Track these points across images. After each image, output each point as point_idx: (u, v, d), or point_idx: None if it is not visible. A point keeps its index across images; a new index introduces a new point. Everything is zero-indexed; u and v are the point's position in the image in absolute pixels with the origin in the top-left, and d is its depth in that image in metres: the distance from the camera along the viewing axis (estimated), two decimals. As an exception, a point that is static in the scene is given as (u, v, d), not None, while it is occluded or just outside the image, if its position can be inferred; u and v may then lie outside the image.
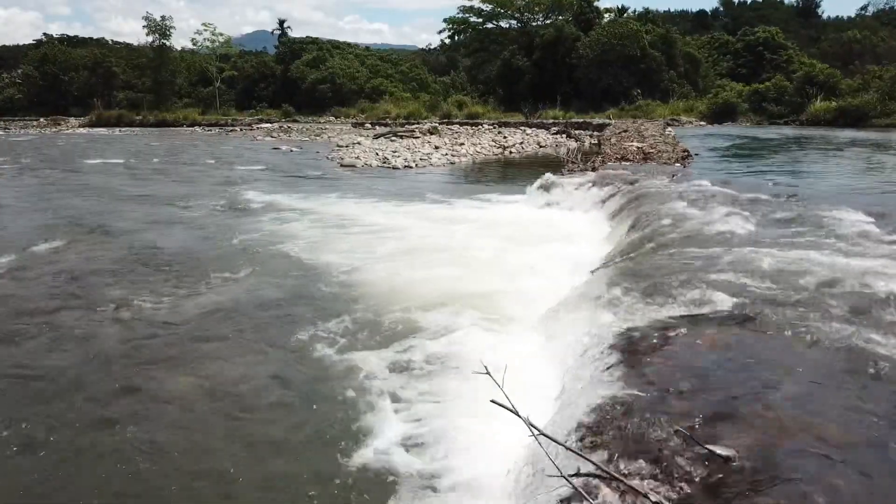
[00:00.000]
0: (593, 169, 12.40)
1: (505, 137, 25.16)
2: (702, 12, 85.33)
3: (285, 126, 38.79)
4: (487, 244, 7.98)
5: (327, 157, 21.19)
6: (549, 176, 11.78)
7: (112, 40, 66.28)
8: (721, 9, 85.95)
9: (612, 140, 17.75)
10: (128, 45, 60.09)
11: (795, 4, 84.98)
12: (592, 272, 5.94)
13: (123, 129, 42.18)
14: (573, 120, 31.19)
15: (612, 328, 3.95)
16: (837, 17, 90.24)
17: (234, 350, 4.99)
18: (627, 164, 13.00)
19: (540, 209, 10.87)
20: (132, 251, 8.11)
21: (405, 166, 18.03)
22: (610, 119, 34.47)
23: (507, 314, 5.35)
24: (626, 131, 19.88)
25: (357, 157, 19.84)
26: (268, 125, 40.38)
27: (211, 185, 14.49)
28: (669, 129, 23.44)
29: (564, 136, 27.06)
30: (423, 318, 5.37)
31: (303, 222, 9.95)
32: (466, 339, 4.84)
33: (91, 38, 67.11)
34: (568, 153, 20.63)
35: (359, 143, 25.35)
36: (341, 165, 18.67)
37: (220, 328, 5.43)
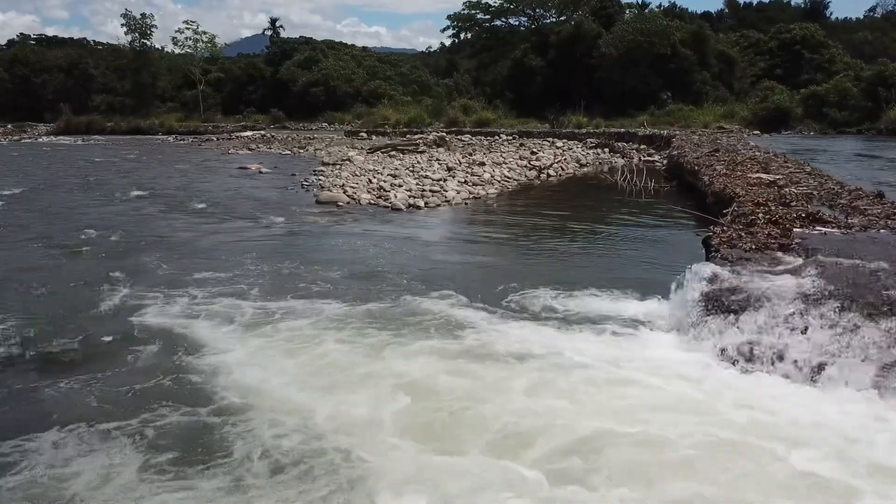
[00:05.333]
0: (781, 246, 6.02)
1: (534, 153, 18.75)
2: (707, 14, 79.09)
3: (268, 135, 32.28)
4: None
5: (303, 184, 14.79)
6: (716, 271, 5.38)
7: (93, 41, 59.38)
8: (726, 10, 79.78)
9: (716, 167, 11.34)
10: (109, 46, 53.33)
11: (803, 6, 78.77)
12: None
13: (90, 137, 35.60)
14: (612, 129, 24.73)
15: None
16: (846, 18, 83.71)
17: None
18: (825, 228, 6.66)
19: (731, 369, 4.52)
20: None
21: (409, 205, 11.63)
22: (645, 127, 28.11)
23: None
24: (717, 151, 13.48)
25: (342, 187, 13.44)
26: (250, 133, 33.90)
27: (65, 261, 8.06)
28: (752, 143, 17.10)
29: (607, 150, 20.67)
30: None
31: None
32: None
33: (71, 39, 60.36)
34: (623, 177, 14.31)
35: (348, 161, 18.97)
36: (317, 202, 12.27)
37: None
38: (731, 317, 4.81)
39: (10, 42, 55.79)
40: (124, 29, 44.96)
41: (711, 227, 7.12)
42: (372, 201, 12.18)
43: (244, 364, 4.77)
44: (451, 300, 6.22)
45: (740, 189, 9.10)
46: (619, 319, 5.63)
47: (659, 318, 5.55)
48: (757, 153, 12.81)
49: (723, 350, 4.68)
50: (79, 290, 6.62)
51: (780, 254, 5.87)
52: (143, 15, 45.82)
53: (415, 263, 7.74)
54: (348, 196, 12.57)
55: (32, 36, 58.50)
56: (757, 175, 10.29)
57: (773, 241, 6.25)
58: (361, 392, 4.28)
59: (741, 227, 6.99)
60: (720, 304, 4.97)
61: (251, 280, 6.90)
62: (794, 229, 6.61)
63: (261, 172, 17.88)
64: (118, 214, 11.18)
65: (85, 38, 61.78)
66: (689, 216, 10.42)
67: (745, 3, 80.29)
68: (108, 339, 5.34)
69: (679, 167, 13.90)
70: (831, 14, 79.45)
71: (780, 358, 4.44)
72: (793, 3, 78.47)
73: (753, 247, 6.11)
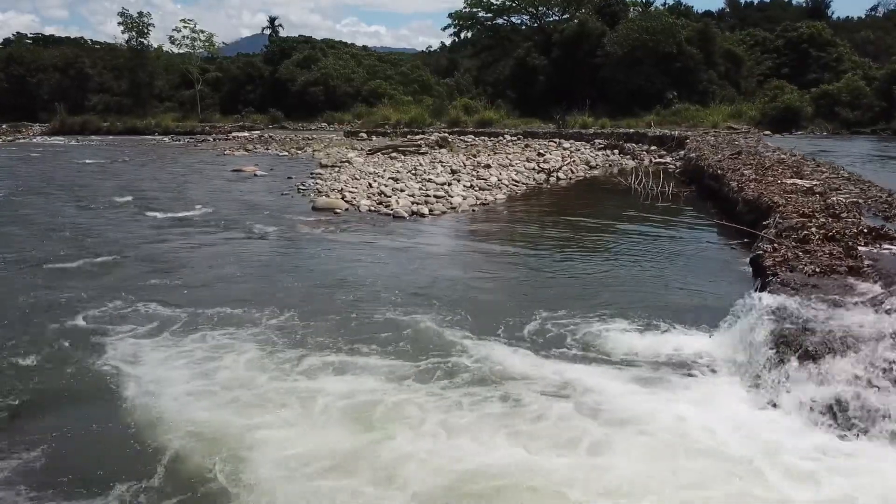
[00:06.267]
0: (850, 269, 5.11)
1: (541, 155, 17.83)
2: (708, 13, 78.03)
3: (266, 136, 31.35)
4: None
5: (300, 188, 13.87)
6: (783, 302, 4.48)
7: (91, 40, 58.34)
8: (727, 10, 78.77)
9: (742, 171, 10.45)
10: (106, 45, 52.33)
11: (805, 5, 77.78)
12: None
13: (85, 137, 34.65)
14: (620, 130, 23.78)
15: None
16: (848, 17, 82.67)
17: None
18: (894, 247, 5.75)
19: (817, 432, 3.60)
20: None
21: (413, 213, 10.71)
22: (651, 127, 27.21)
23: None
24: (739, 153, 12.56)
25: (340, 192, 12.53)
26: (247, 134, 32.99)
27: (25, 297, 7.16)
28: (771, 144, 16.20)
29: (617, 152, 19.76)
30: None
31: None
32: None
33: (68, 38, 59.33)
34: (637, 180, 13.40)
35: (348, 163, 18.07)
36: (314, 208, 11.36)
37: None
38: (811, 364, 3.89)
39: (6, 41, 54.71)
40: (121, 28, 44.04)
41: (760, 245, 6.18)
42: (372, 208, 11.27)
43: (164, 380, 4.39)
44: (439, 320, 5.54)
45: (778, 197, 8.19)
46: (657, 357, 4.73)
47: (711, 359, 4.63)
48: (783, 156, 11.90)
49: (804, 406, 3.77)
50: (15, 301, 5.88)
51: (851, 279, 4.97)
52: (141, 13, 44.85)
53: (410, 278, 6.92)
54: (347, 202, 11.66)
55: (29, 35, 57.46)
56: (792, 181, 9.38)
57: (837, 262, 5.34)
58: (283, 413, 3.97)
59: (793, 243, 6.08)
60: (795, 345, 4.05)
61: (214, 296, 6.21)
62: (859, 247, 5.71)
63: (256, 175, 16.96)
64: (93, 223, 10.27)
65: (82, 38, 60.74)
66: (716, 225, 9.53)
67: (746, 2, 79.31)
68: (24, 352, 4.87)
69: (698, 171, 12.98)
70: (832, 13, 78.53)
71: (884, 418, 3.53)
72: (794, 2, 77.53)
73: (817, 269, 5.20)
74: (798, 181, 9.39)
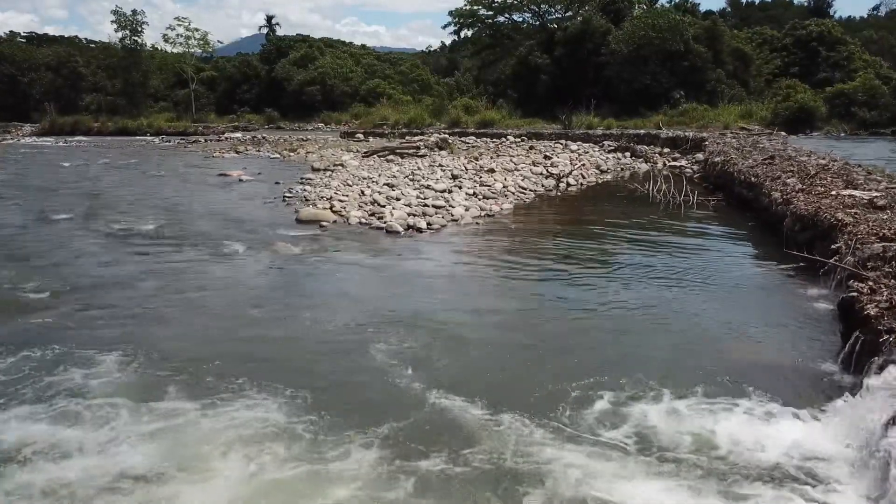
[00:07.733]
0: None
1: (548, 158, 16.44)
2: (709, 13, 76.61)
3: (259, 137, 29.96)
4: None
5: (285, 197, 12.47)
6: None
7: (86, 39, 56.97)
8: (729, 9, 77.37)
9: (784, 179, 9.06)
10: (101, 44, 50.95)
11: (806, 4, 76.37)
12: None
13: (73, 138, 33.25)
14: (630, 131, 22.36)
15: None
16: (850, 17, 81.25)
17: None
18: None
19: None
20: None
21: (409, 226, 9.31)
22: (660, 127, 25.78)
23: None
24: (772, 159, 11.15)
25: (329, 201, 11.15)
26: (240, 135, 31.62)
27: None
28: (793, 145, 14.80)
29: (628, 154, 18.37)
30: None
31: None
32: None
33: (61, 37, 57.91)
34: (657, 186, 12.05)
35: (341, 166, 16.68)
36: (297, 220, 9.98)
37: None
38: None
39: (-1, 39, 53.22)
40: (115, 26, 42.67)
41: (855, 284, 4.76)
42: (363, 220, 9.88)
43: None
44: (392, 360, 4.49)
45: (841, 213, 6.80)
46: (729, 452, 3.34)
47: (817, 460, 3.24)
48: (822, 160, 10.51)
49: None
50: None
51: None
52: (135, 11, 43.49)
53: (381, 310, 5.72)
54: (335, 212, 10.28)
55: (22, 34, 55.99)
56: (847, 192, 7.99)
57: None
58: (97, 434, 3.53)
59: (888, 278, 4.69)
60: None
61: (105, 317, 5.41)
62: None
63: (241, 180, 15.57)
64: (28, 234, 8.96)
65: (76, 37, 59.33)
66: (761, 244, 8.15)
67: (747, 1, 77.87)
68: None
69: (726, 177, 11.60)
70: (835, 13, 77.05)
71: None
72: (796, 2, 76.09)
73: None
74: (854, 192, 7.99)
